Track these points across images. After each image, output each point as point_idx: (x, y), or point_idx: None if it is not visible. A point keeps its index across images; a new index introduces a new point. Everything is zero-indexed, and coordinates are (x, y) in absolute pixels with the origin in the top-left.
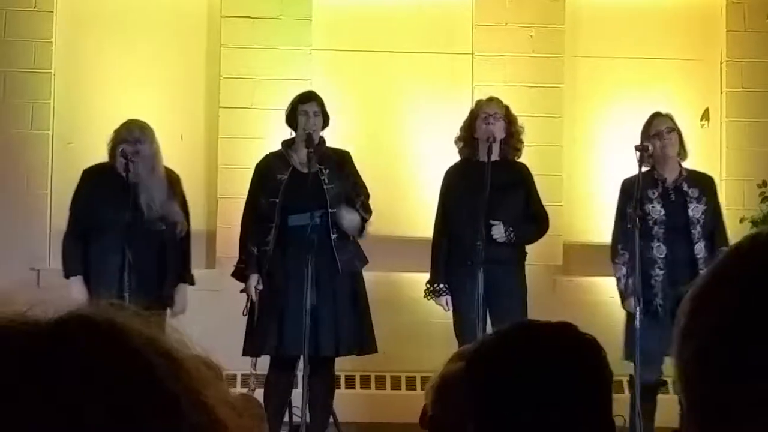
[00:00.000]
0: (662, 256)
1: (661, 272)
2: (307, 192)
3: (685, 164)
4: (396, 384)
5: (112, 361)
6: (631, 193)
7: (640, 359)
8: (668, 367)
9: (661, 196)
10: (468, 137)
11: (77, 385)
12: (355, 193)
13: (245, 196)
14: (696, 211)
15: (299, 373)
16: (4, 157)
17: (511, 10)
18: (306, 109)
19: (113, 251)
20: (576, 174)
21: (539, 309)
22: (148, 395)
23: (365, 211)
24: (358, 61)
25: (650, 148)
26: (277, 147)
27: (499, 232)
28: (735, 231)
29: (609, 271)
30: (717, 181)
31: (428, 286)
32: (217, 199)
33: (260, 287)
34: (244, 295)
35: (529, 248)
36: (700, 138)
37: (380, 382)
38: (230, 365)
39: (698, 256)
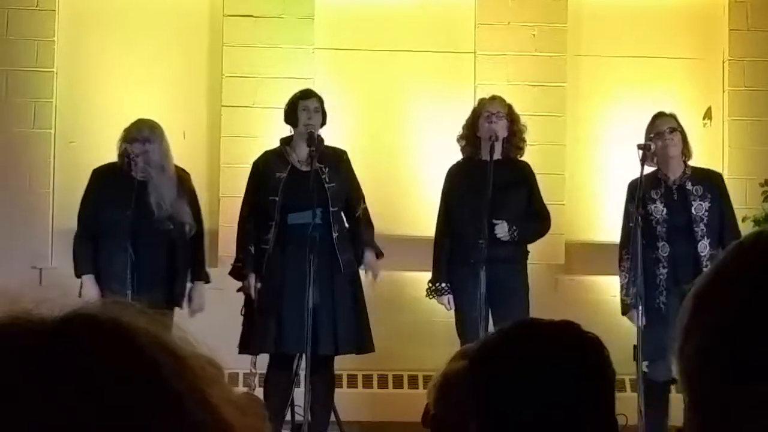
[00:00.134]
0: (666, 255)
1: (665, 271)
2: (308, 190)
3: (692, 162)
4: (398, 383)
5: (117, 359)
6: (636, 194)
7: (650, 358)
8: None
9: (664, 196)
10: (471, 136)
11: (82, 383)
12: (356, 197)
13: None
14: (699, 208)
15: (301, 372)
16: (6, 156)
17: (513, 9)
18: (307, 105)
19: (122, 250)
20: (578, 173)
21: (541, 308)
22: (152, 394)
23: (368, 223)
24: (361, 60)
25: (652, 146)
26: (277, 145)
27: (503, 230)
28: None
29: (611, 270)
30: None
31: (430, 285)
32: (219, 197)
33: (258, 285)
34: (245, 293)
35: (531, 247)
36: (702, 137)
37: (382, 381)
38: (233, 364)
39: (702, 254)
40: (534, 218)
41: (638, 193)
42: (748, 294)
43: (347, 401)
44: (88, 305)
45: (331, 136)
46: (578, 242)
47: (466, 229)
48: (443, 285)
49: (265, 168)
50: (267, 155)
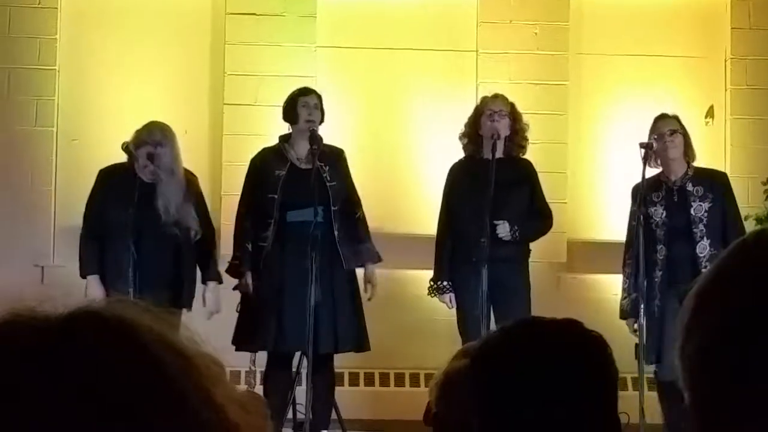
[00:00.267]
0: (662, 258)
1: (660, 273)
2: (309, 188)
3: (696, 162)
4: (400, 381)
5: (121, 357)
6: (638, 196)
7: (652, 361)
8: None
9: (665, 198)
10: (472, 134)
11: (86, 380)
12: (355, 198)
13: None
14: (699, 209)
15: (303, 371)
16: (8, 154)
17: (515, 8)
18: (307, 101)
19: (126, 250)
20: (580, 171)
21: (543, 306)
22: (157, 392)
23: (367, 227)
24: (363, 58)
25: (654, 145)
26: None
27: (504, 230)
28: None
29: (613, 269)
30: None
31: (432, 283)
32: (221, 196)
33: (252, 283)
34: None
35: (533, 245)
36: (704, 135)
37: (384, 379)
38: (234, 362)
39: (700, 255)
40: (536, 217)
41: (640, 192)
42: (750, 293)
43: (349, 399)
44: (92, 303)
45: (332, 134)
46: (580, 241)
47: (467, 228)
48: (445, 283)
49: (264, 165)
50: (265, 152)
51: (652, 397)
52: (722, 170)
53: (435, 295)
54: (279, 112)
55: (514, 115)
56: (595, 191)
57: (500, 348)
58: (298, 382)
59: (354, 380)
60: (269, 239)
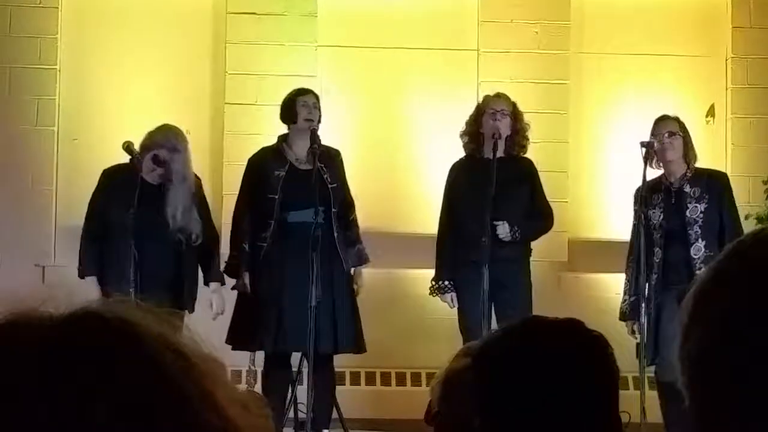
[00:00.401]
0: (658, 260)
1: (655, 276)
2: (309, 189)
3: (698, 163)
4: (401, 380)
5: (122, 357)
6: (648, 196)
7: (652, 362)
8: None
9: (663, 200)
10: (474, 132)
11: (87, 381)
12: (350, 201)
13: None
14: (694, 211)
15: (304, 370)
16: (9, 154)
17: (516, 7)
18: (305, 101)
19: (127, 250)
20: (581, 170)
21: (544, 305)
22: (158, 393)
23: (359, 231)
24: (364, 58)
25: (655, 144)
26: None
27: (504, 231)
28: None
29: (614, 268)
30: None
31: (433, 283)
32: (222, 195)
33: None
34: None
35: (533, 245)
36: (705, 135)
37: (385, 379)
38: (235, 361)
39: (695, 257)
40: (536, 216)
41: (641, 192)
42: (747, 293)
43: (350, 398)
44: (94, 304)
45: (333, 133)
46: (581, 240)
47: (468, 227)
48: (446, 283)
49: (262, 165)
50: (263, 152)
51: (653, 396)
52: (722, 170)
53: (436, 294)
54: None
55: (516, 115)
56: (596, 190)
57: (501, 348)
58: (299, 381)
59: (355, 380)
60: (268, 239)
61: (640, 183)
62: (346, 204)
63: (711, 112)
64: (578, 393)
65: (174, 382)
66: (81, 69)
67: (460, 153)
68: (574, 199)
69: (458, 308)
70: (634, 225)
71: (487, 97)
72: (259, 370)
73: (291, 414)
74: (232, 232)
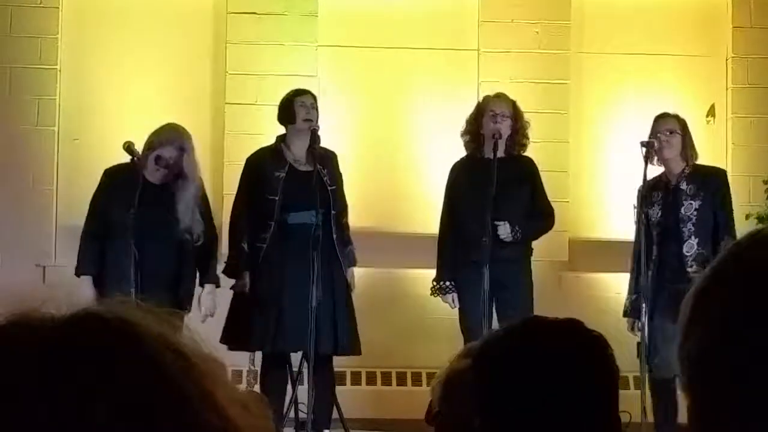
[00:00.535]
0: (654, 257)
1: (649, 273)
2: (309, 191)
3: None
4: (402, 380)
5: (122, 358)
6: (647, 196)
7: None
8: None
9: (662, 198)
10: (474, 132)
11: (87, 381)
12: (345, 203)
13: None
14: (689, 208)
15: (304, 370)
16: (9, 153)
17: (516, 7)
18: (303, 101)
19: (129, 251)
20: (582, 170)
21: (545, 305)
22: (158, 393)
23: (349, 231)
24: (364, 58)
25: (656, 144)
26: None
27: (505, 231)
28: (741, 227)
29: (615, 267)
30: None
31: (435, 283)
32: (223, 195)
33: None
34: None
35: (534, 244)
36: (705, 134)
37: (386, 379)
38: (236, 361)
39: (687, 254)
40: (537, 216)
41: (642, 191)
42: (746, 294)
43: (351, 398)
44: (95, 304)
45: (334, 133)
46: (582, 239)
47: (469, 227)
48: (447, 283)
49: (261, 166)
50: (262, 152)
51: None
52: (722, 168)
53: (438, 295)
54: None
55: (516, 114)
56: (597, 190)
57: (501, 348)
58: (299, 381)
59: (356, 379)
60: (268, 240)
61: (640, 182)
62: (341, 205)
63: (711, 111)
64: (578, 393)
65: (174, 382)
66: (81, 69)
67: (461, 153)
68: (574, 198)
69: (459, 308)
70: (636, 223)
71: (487, 98)
72: (259, 370)
73: (291, 414)
74: (230, 231)
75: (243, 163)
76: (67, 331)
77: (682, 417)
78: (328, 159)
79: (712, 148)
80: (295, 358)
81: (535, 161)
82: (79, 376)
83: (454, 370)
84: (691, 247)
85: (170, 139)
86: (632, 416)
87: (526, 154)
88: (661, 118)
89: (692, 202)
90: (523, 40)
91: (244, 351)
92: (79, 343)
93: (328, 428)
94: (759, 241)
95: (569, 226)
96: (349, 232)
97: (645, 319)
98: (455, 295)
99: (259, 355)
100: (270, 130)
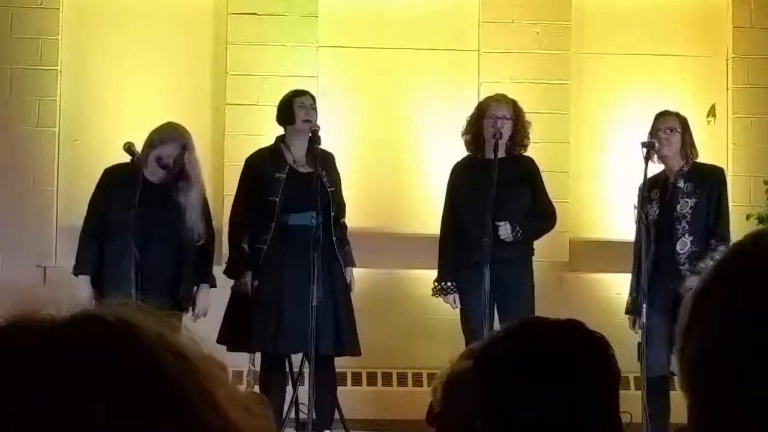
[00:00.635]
0: (651, 255)
1: (645, 271)
2: (309, 192)
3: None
4: (402, 381)
5: (123, 359)
6: (642, 194)
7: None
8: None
9: (660, 196)
10: (475, 133)
11: (87, 381)
12: (342, 203)
13: None
14: (684, 206)
15: (305, 371)
16: (10, 154)
17: (517, 7)
18: (303, 102)
19: (129, 252)
20: (582, 171)
21: (546, 305)
22: (158, 393)
23: (346, 232)
24: (365, 58)
25: (656, 144)
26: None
27: (506, 231)
28: (741, 228)
29: (615, 268)
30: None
31: (436, 284)
32: (224, 196)
33: (255, 283)
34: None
35: (535, 245)
36: (706, 134)
37: (386, 379)
38: (238, 362)
39: (680, 252)
40: (539, 215)
41: (642, 192)
42: (748, 294)
43: (351, 399)
44: (96, 306)
45: (334, 133)
46: (582, 240)
47: (470, 228)
48: (449, 284)
49: (261, 167)
50: (261, 153)
51: None
52: (720, 166)
53: (439, 295)
54: None
55: (517, 114)
56: (597, 190)
57: (503, 349)
58: (300, 382)
59: (356, 380)
60: (269, 241)
61: (641, 182)
62: (339, 206)
63: (712, 112)
64: (579, 394)
65: (174, 382)
66: (82, 70)
67: (461, 153)
68: (575, 199)
69: (460, 309)
70: (636, 222)
71: (487, 100)
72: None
73: (292, 414)
74: (230, 232)
75: (243, 163)
76: (68, 332)
77: (675, 417)
78: (327, 160)
79: (712, 149)
80: (296, 358)
81: (536, 161)
82: (79, 376)
83: (456, 371)
84: (684, 245)
85: (171, 136)
86: (633, 417)
87: (527, 154)
88: (662, 116)
89: (688, 200)
90: (523, 41)
91: (244, 352)
92: (80, 343)
93: (329, 429)
94: (759, 242)
95: (570, 227)
96: (346, 232)
97: (644, 319)
98: (456, 295)
99: (259, 355)
100: (270, 131)
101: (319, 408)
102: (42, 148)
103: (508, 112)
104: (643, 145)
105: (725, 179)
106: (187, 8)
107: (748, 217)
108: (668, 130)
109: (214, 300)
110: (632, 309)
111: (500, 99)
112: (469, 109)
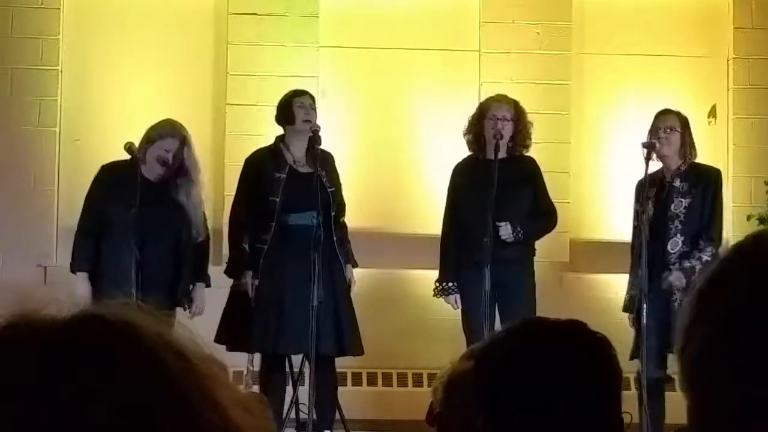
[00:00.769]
0: (644, 254)
1: (639, 271)
2: (309, 192)
3: (698, 161)
4: (403, 381)
5: (124, 359)
6: (639, 193)
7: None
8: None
9: (656, 195)
10: (476, 133)
11: (87, 381)
12: (342, 203)
13: None
14: (678, 206)
15: (305, 370)
16: (11, 154)
17: (518, 7)
18: (302, 102)
19: (126, 249)
20: (583, 171)
21: (546, 306)
22: (158, 393)
23: (347, 233)
24: (365, 58)
25: (657, 145)
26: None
27: (506, 232)
28: (742, 228)
29: (616, 268)
30: (724, 175)
31: (437, 284)
32: (224, 196)
33: (256, 283)
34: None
35: (536, 245)
36: (707, 135)
37: (387, 379)
38: (237, 362)
39: (671, 252)
40: (540, 215)
41: (644, 192)
42: (749, 294)
43: (352, 399)
44: (97, 306)
45: (334, 133)
46: (583, 240)
47: (470, 228)
48: (450, 284)
49: (261, 167)
50: (261, 153)
51: None
52: (717, 168)
53: (440, 296)
54: None
55: (518, 115)
56: (598, 191)
57: (504, 349)
58: (300, 382)
59: (357, 380)
60: (269, 242)
61: (639, 180)
62: (339, 206)
63: (713, 112)
64: (581, 395)
65: (174, 382)
66: (83, 70)
67: (462, 153)
68: (575, 199)
69: (461, 310)
70: (633, 219)
71: (489, 100)
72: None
73: (293, 414)
74: (230, 232)
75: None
76: (68, 332)
77: (674, 418)
78: (327, 160)
79: (713, 149)
80: (296, 358)
81: (537, 161)
82: (79, 376)
83: (457, 371)
84: (675, 244)
85: (170, 132)
86: (633, 417)
87: (528, 154)
88: (663, 115)
89: (683, 199)
90: (524, 41)
91: (244, 352)
92: (80, 343)
93: (330, 429)
94: (760, 243)
95: (570, 227)
96: (347, 232)
97: (644, 320)
98: (458, 296)
99: (257, 355)
100: (271, 131)
101: (320, 408)
102: (43, 148)
103: (509, 113)
104: (644, 145)
105: (721, 180)
106: (188, 8)
107: (748, 217)
108: (668, 129)
109: (213, 300)
110: (630, 307)
111: (501, 99)
112: (470, 109)
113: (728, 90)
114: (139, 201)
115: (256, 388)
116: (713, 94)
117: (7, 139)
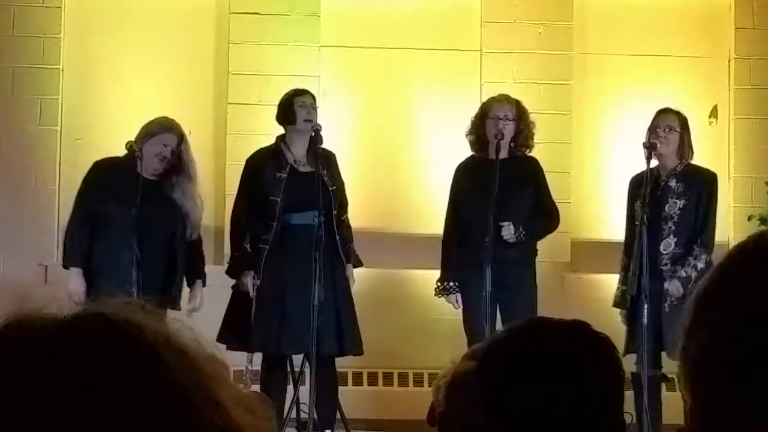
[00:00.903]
0: (636, 253)
1: (631, 267)
2: (311, 192)
3: (697, 161)
4: (403, 381)
5: (125, 358)
6: (635, 191)
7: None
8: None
9: (650, 193)
10: (478, 133)
11: (87, 381)
12: (345, 202)
13: None
14: (672, 206)
15: (306, 370)
16: (12, 153)
17: (519, 7)
18: (303, 101)
19: (124, 247)
20: (584, 171)
21: (547, 306)
22: (159, 393)
23: (350, 231)
24: (367, 58)
25: (658, 145)
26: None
27: (508, 232)
28: (742, 229)
29: (617, 268)
30: (722, 177)
31: (439, 284)
32: (225, 195)
33: (257, 283)
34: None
35: (537, 245)
36: (708, 135)
37: (388, 379)
38: (237, 362)
39: (663, 252)
40: (542, 216)
41: (645, 191)
42: (750, 295)
43: (352, 399)
44: (97, 305)
45: (335, 133)
46: (584, 240)
47: (472, 228)
48: (452, 284)
49: (262, 166)
50: (262, 153)
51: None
52: (713, 170)
53: (442, 295)
54: None
55: (520, 115)
56: (599, 191)
57: (506, 349)
58: (301, 381)
59: (357, 380)
60: (271, 241)
61: (638, 183)
62: (342, 205)
63: (714, 113)
64: (583, 395)
65: (175, 382)
66: (84, 69)
67: (464, 153)
68: (576, 199)
69: (463, 309)
70: (627, 218)
71: (491, 100)
72: (255, 368)
73: (293, 414)
74: (231, 232)
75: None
76: (68, 332)
77: (671, 419)
78: (328, 159)
79: (714, 150)
80: (297, 358)
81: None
82: (79, 376)
83: (459, 371)
84: (668, 245)
85: (168, 126)
86: (633, 417)
87: (530, 153)
88: (662, 113)
89: (677, 200)
90: (525, 41)
91: (245, 351)
92: (80, 343)
93: (331, 429)
94: (760, 244)
95: (571, 227)
96: (350, 231)
97: (644, 319)
98: (459, 295)
99: (257, 354)
100: (272, 131)
101: (320, 408)
102: (44, 146)
103: (511, 113)
104: (645, 146)
105: (716, 184)
106: (190, 7)
107: (749, 218)
108: (667, 128)
109: (214, 299)
110: (621, 302)
111: (503, 99)
112: (471, 109)
113: (729, 90)
114: (139, 201)
115: (255, 387)
116: (714, 94)
117: (8, 138)
